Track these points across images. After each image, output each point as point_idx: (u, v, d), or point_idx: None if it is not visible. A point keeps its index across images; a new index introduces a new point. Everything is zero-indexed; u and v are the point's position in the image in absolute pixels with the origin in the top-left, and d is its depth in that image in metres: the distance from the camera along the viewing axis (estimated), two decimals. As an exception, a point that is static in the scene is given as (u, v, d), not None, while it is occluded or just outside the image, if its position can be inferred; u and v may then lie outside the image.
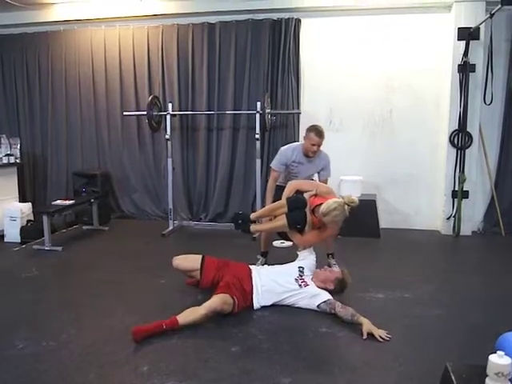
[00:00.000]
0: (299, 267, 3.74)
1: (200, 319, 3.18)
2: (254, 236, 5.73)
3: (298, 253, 4.02)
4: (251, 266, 3.82)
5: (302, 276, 3.65)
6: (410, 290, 4.04)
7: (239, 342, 3.05)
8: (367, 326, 3.17)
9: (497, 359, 1.83)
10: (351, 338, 3.13)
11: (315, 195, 3.94)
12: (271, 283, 3.62)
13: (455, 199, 6.06)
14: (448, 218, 6.16)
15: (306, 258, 3.90)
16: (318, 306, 3.49)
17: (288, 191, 4.11)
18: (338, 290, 3.68)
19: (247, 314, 3.50)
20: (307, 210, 3.86)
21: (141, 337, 3.02)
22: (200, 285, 3.74)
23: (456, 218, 6.04)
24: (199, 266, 3.75)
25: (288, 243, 5.09)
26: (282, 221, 3.92)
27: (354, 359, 2.89)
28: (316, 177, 4.74)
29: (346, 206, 3.60)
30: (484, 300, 3.89)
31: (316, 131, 4.41)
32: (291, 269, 3.75)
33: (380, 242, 5.89)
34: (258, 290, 3.59)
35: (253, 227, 4.17)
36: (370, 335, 3.11)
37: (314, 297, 3.52)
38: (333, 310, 3.40)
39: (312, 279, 3.68)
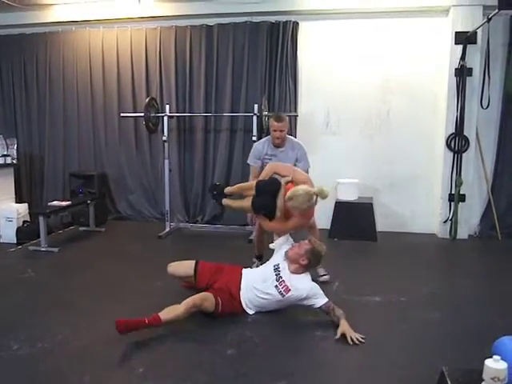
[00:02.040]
0: (274, 266, 3.57)
1: (182, 315, 3.15)
2: (251, 238, 5.73)
3: (274, 242, 3.87)
4: (243, 271, 3.72)
5: (279, 277, 3.48)
6: (406, 294, 4.05)
7: (234, 345, 3.05)
8: (343, 327, 3.17)
9: (493, 364, 1.83)
10: (347, 341, 3.12)
11: (291, 181, 3.75)
12: (251, 293, 3.53)
13: (452, 202, 6.06)
14: (445, 222, 6.16)
15: (281, 248, 3.72)
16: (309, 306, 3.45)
17: (265, 174, 3.99)
18: (314, 261, 3.56)
19: (243, 316, 3.49)
20: (279, 196, 3.65)
21: (124, 327, 2.98)
22: (196, 288, 3.72)
23: (453, 221, 6.04)
24: (193, 273, 3.72)
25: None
26: (249, 202, 3.82)
27: (351, 363, 2.90)
28: None
29: (315, 196, 3.48)
30: (480, 304, 3.90)
31: (275, 117, 4.45)
32: (268, 272, 3.57)
33: (377, 245, 5.89)
34: (245, 299, 3.54)
35: (224, 201, 4.17)
36: (343, 336, 3.11)
37: (301, 301, 3.43)
38: (328, 314, 3.36)
39: (289, 268, 3.53)
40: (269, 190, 3.73)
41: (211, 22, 6.59)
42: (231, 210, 4.74)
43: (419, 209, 6.47)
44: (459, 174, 6.00)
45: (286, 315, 3.54)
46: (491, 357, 1.86)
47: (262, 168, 4.38)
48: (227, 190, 4.20)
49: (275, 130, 4.42)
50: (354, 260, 5.14)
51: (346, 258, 5.11)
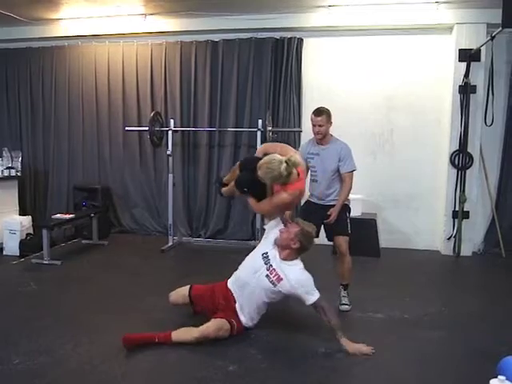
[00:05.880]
0: (262, 254, 3.44)
1: (191, 341, 3.16)
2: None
3: (265, 226, 3.75)
4: (228, 281, 3.61)
5: (270, 265, 3.36)
6: (409, 311, 4.02)
7: (237, 361, 3.02)
8: (350, 345, 3.15)
9: (498, 384, 1.81)
10: (350, 358, 3.09)
11: None
12: (247, 290, 3.41)
13: (456, 219, 6.05)
14: (448, 239, 6.14)
15: (271, 232, 3.55)
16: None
17: (257, 153, 3.88)
18: (307, 243, 3.39)
19: (245, 332, 3.46)
20: None
21: (130, 343, 3.08)
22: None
23: (456, 238, 6.03)
24: (189, 300, 3.60)
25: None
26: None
27: (353, 381, 2.87)
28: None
29: (284, 164, 3.23)
30: (484, 322, 3.86)
31: (314, 111, 4.14)
32: (257, 262, 3.44)
33: (380, 261, 5.86)
34: (241, 306, 3.44)
35: (223, 190, 4.13)
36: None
37: (294, 292, 3.29)
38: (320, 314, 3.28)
39: (280, 255, 3.39)
40: (249, 168, 3.60)
41: (216, 37, 6.65)
42: (230, 195, 4.41)
43: (423, 225, 6.46)
44: (463, 190, 6.00)
45: (289, 331, 3.51)
46: (496, 377, 1.84)
47: (307, 168, 4.12)
48: (225, 179, 4.15)
49: (314, 125, 4.12)
50: (357, 276, 5.07)
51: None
